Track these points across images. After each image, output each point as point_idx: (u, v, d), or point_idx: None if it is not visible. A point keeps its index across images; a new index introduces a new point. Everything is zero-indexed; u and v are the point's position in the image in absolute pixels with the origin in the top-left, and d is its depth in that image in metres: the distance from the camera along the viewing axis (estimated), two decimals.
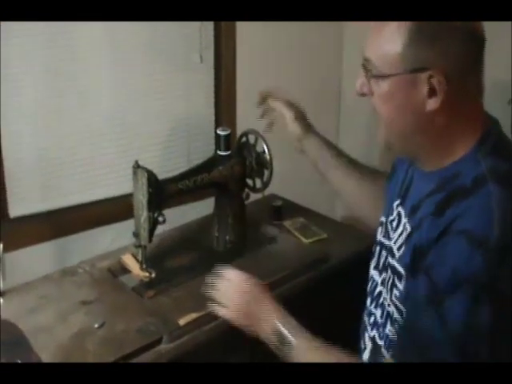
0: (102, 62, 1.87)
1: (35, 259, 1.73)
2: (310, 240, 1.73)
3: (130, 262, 1.57)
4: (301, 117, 1.55)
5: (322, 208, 1.93)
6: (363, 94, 1.15)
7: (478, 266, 0.98)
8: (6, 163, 1.73)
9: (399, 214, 1.22)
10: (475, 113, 1.12)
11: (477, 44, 1.08)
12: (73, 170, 1.86)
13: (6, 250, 1.51)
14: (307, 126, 1.55)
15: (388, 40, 1.07)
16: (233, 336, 1.32)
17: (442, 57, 1.04)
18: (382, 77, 1.09)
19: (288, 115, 1.54)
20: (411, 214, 1.16)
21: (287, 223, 1.81)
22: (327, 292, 1.58)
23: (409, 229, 1.14)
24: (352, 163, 1.51)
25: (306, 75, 2.34)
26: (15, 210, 1.76)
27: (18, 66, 1.71)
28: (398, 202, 1.24)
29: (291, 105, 1.56)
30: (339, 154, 1.52)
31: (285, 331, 1.24)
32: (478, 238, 0.99)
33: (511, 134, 2.00)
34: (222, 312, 1.32)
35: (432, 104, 1.07)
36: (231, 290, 1.32)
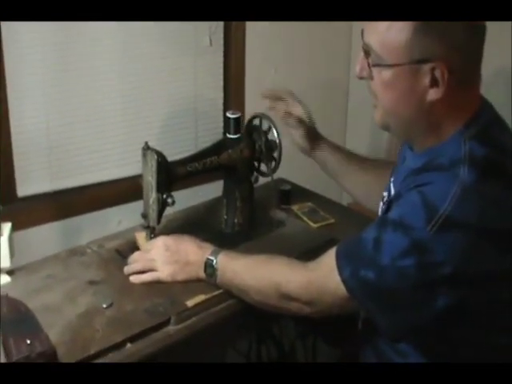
0: (111, 43, 1.87)
1: (43, 239, 1.74)
2: (318, 224, 1.73)
3: (141, 241, 1.57)
4: (309, 133, 1.61)
5: (330, 193, 1.93)
6: (362, 78, 1.15)
7: (420, 223, 1.03)
8: (14, 143, 1.74)
9: (389, 190, 1.25)
10: (471, 99, 1.14)
11: (479, 34, 1.09)
12: (81, 150, 1.86)
13: (14, 229, 1.51)
14: (315, 141, 1.61)
15: (392, 29, 1.06)
16: (241, 318, 1.33)
17: (446, 49, 1.05)
18: (383, 66, 1.09)
19: (297, 133, 1.60)
20: (396, 190, 1.21)
21: (295, 207, 1.81)
22: None
23: None
24: (360, 167, 1.56)
25: (315, 60, 2.33)
26: (23, 189, 1.77)
27: (28, 46, 1.70)
28: (392, 179, 1.28)
29: (301, 121, 1.60)
30: (345, 161, 1.58)
31: (213, 261, 1.36)
32: (429, 203, 1.04)
33: None
34: (156, 276, 1.42)
35: (433, 94, 1.08)
36: (156, 254, 1.44)
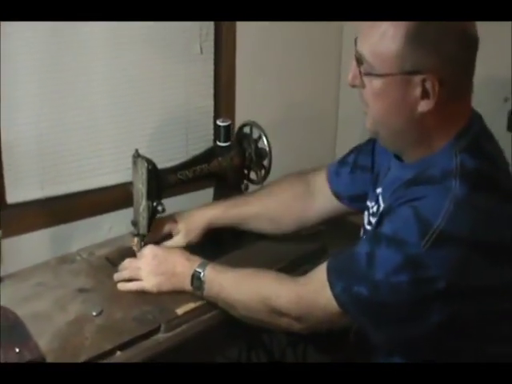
0: (103, 51, 1.86)
1: (33, 246, 1.73)
2: (307, 232, 1.74)
3: (137, 246, 1.56)
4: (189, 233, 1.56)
5: None
6: (354, 86, 1.15)
7: (414, 238, 1.03)
8: (4, 149, 1.73)
9: (378, 202, 1.24)
10: (462, 111, 1.14)
11: (471, 47, 1.09)
12: (72, 157, 1.85)
13: (3, 236, 1.51)
14: (194, 226, 1.56)
15: (384, 39, 1.07)
16: (231, 326, 1.33)
17: (437, 61, 1.05)
18: (375, 75, 1.09)
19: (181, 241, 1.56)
20: (386, 202, 1.20)
21: None
22: None
23: None
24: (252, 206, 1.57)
25: (305, 68, 2.34)
26: (13, 196, 1.76)
27: (19, 52, 1.70)
28: (380, 189, 1.26)
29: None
30: (238, 207, 1.57)
31: (201, 273, 1.35)
32: (423, 218, 1.04)
33: (507, 130, 2.03)
34: (141, 285, 1.42)
35: (424, 106, 1.08)
36: (143, 263, 1.44)
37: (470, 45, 1.08)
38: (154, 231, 1.53)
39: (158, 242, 1.54)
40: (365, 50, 1.10)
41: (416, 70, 1.06)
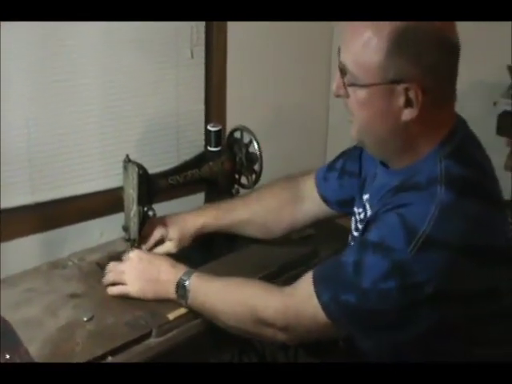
0: (93, 57, 1.87)
1: (24, 251, 1.73)
2: (298, 236, 1.74)
3: None
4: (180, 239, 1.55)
5: None
6: (339, 96, 1.16)
7: (401, 244, 1.04)
8: None
9: (365, 208, 1.25)
10: (446, 117, 1.15)
11: (453, 54, 1.10)
12: (62, 162, 1.85)
13: None
14: (185, 231, 1.55)
15: (366, 49, 1.07)
16: (222, 330, 1.33)
17: (419, 70, 1.06)
18: (359, 85, 1.10)
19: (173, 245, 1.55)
20: (373, 209, 1.20)
21: None
22: None
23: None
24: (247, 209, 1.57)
25: (296, 73, 2.35)
26: (3, 201, 1.76)
27: (8, 59, 1.70)
28: (367, 196, 1.27)
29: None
30: (230, 213, 1.57)
31: (186, 281, 1.34)
32: (409, 224, 1.04)
33: (496, 134, 2.04)
34: (125, 290, 1.41)
35: (408, 114, 1.09)
36: (128, 267, 1.43)
37: (452, 52, 1.09)
38: (146, 236, 1.52)
39: (150, 248, 1.53)
40: (348, 60, 1.11)
41: (399, 79, 1.06)
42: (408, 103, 1.08)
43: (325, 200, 1.50)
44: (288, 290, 1.23)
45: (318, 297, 1.13)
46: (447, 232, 1.03)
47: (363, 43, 1.07)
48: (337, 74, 1.14)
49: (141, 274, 1.42)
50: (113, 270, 1.45)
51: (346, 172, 1.44)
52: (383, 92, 1.08)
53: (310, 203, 1.52)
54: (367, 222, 1.18)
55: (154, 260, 1.44)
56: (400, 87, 1.06)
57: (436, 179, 1.07)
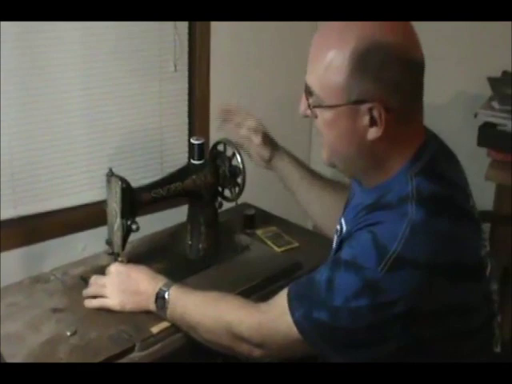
0: (76, 69, 1.87)
1: (6, 265, 1.72)
2: (282, 248, 1.75)
3: None
4: (267, 141, 1.59)
5: (294, 217, 1.94)
6: (307, 116, 1.17)
7: (372, 263, 1.04)
8: None
9: (341, 225, 1.25)
10: (414, 134, 1.15)
11: (417, 72, 1.10)
12: (45, 176, 1.85)
13: None
14: (274, 150, 1.59)
15: (329, 71, 1.08)
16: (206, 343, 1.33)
17: (382, 89, 1.06)
18: (324, 107, 1.11)
19: (255, 141, 1.58)
20: (347, 227, 1.21)
21: (259, 232, 1.82)
22: None
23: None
24: (321, 188, 1.55)
25: (279, 85, 2.36)
26: None
27: None
28: (345, 213, 1.28)
29: (257, 129, 1.58)
30: (306, 175, 1.56)
31: (165, 292, 1.34)
32: (380, 243, 1.05)
33: (477, 145, 2.06)
34: (105, 303, 1.41)
35: (373, 133, 1.10)
36: (109, 280, 1.43)
37: (415, 69, 1.09)
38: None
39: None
40: (312, 82, 1.11)
41: (362, 99, 1.07)
42: (373, 122, 1.08)
43: None
44: (263, 306, 1.23)
45: (292, 314, 1.13)
46: (418, 251, 1.03)
47: (326, 65, 1.08)
48: (303, 95, 1.15)
49: (120, 286, 1.42)
50: (94, 284, 1.45)
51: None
52: (348, 112, 1.08)
53: None
54: (341, 240, 1.18)
55: (132, 272, 1.44)
56: (364, 107, 1.07)
57: (407, 198, 1.07)
